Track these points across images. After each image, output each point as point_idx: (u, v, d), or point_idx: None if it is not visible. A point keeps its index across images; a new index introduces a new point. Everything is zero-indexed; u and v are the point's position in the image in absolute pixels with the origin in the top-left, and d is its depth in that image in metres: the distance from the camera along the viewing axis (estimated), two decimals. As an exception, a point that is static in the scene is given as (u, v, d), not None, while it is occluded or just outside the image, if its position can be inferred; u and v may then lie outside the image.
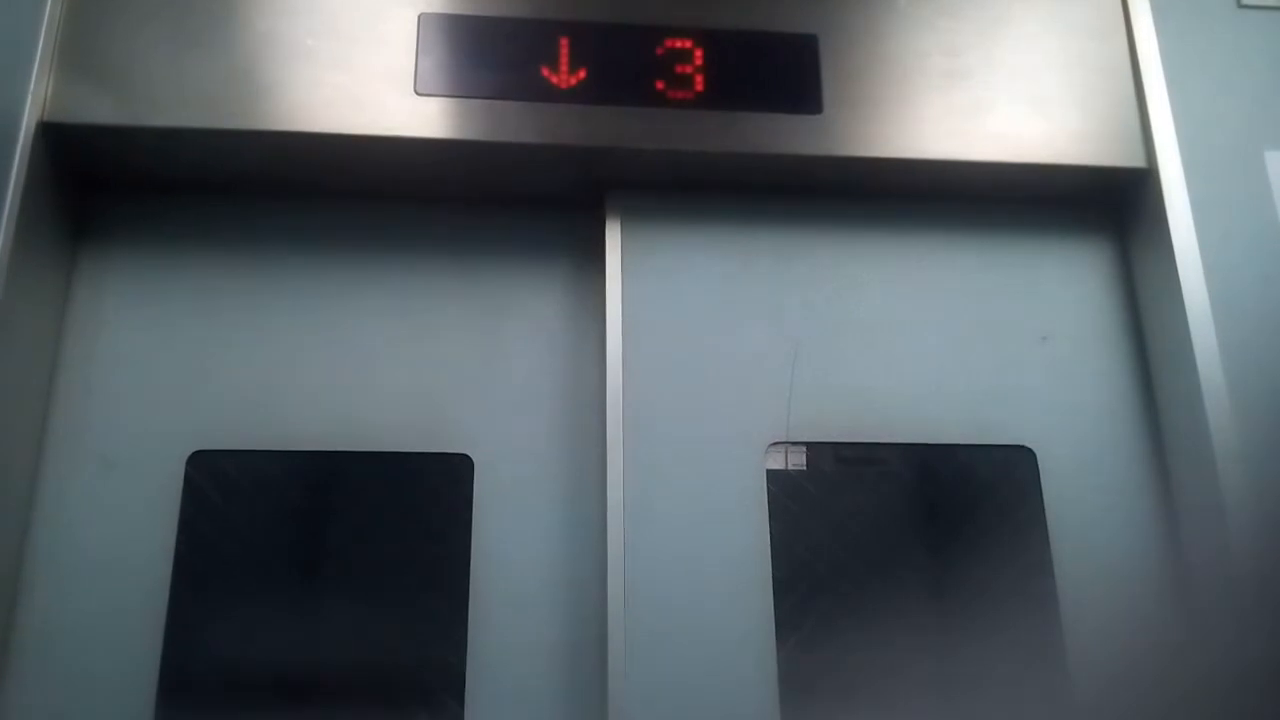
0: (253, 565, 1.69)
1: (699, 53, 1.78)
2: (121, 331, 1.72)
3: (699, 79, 1.76)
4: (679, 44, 1.78)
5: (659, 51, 1.77)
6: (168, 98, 1.64)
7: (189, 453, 1.67)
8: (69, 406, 1.67)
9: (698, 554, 1.65)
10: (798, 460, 1.77)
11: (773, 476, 1.72)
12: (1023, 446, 1.77)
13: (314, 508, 1.74)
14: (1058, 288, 1.87)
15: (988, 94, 1.82)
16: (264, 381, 1.73)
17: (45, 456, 1.64)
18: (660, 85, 1.75)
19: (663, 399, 1.72)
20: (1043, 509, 1.75)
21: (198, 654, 1.62)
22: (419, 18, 1.74)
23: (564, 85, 1.74)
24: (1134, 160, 1.81)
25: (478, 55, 1.73)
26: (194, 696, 1.61)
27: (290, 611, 1.67)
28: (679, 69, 1.76)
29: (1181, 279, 1.73)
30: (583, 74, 1.74)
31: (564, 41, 1.76)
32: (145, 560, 1.61)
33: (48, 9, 1.63)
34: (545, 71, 1.74)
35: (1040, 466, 1.76)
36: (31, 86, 1.59)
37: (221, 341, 1.74)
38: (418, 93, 1.70)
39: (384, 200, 1.83)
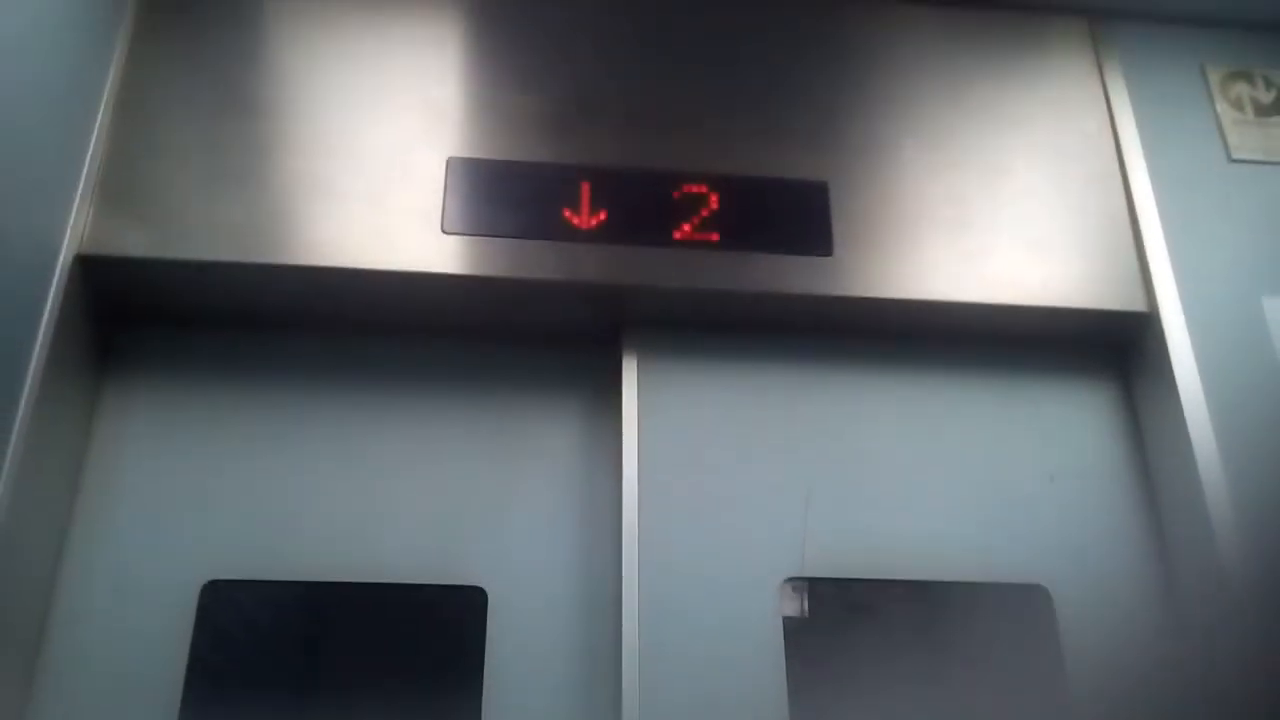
0: (263, 696, 1.67)
1: (715, 197, 1.85)
2: (141, 460, 1.73)
3: (715, 222, 1.83)
4: (696, 189, 1.85)
5: (676, 195, 1.84)
6: (202, 232, 1.70)
7: (203, 582, 1.66)
8: (86, 534, 1.67)
9: (713, 692, 1.64)
10: (812, 597, 1.77)
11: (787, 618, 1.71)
12: (1037, 585, 1.78)
13: (326, 639, 1.73)
14: (1064, 428, 1.90)
15: (991, 240, 1.89)
16: (280, 512, 1.73)
17: (60, 582, 1.63)
18: (677, 227, 1.82)
19: (678, 535, 1.73)
20: (1059, 647, 1.74)
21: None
22: (447, 161, 1.81)
23: (585, 226, 1.80)
24: (1135, 305, 1.87)
25: (503, 196, 1.80)
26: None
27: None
28: (695, 212, 1.83)
29: (1188, 420, 1.77)
30: (603, 215, 1.81)
31: (585, 185, 1.83)
32: (155, 689, 1.59)
33: (91, 146, 1.70)
34: (567, 213, 1.80)
35: (1055, 604, 1.76)
36: (71, 221, 1.64)
37: (239, 472, 1.75)
38: (444, 231, 1.76)
39: (405, 334, 1.87)
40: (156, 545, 1.68)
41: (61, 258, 1.61)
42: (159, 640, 1.62)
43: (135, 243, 1.68)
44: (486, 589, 1.72)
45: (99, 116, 1.73)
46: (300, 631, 1.73)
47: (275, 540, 1.71)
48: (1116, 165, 1.98)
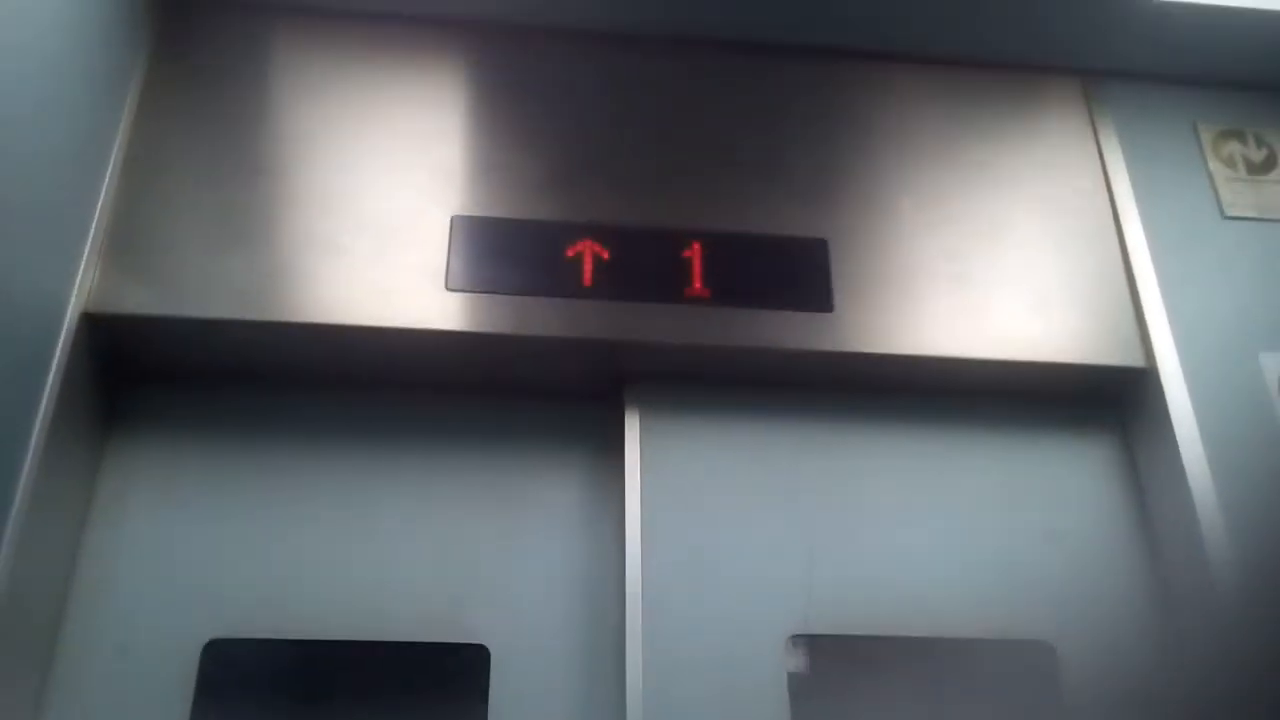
0: (263, 758, 1.65)
1: (716, 254, 1.87)
2: (144, 518, 1.73)
3: (716, 278, 1.85)
4: (697, 245, 1.87)
5: (678, 252, 1.86)
6: (208, 290, 1.71)
7: (204, 641, 1.66)
8: (89, 591, 1.66)
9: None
10: (815, 653, 1.76)
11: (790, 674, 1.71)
12: (1040, 641, 1.77)
13: (328, 698, 1.71)
14: (1065, 482, 1.91)
15: (989, 295, 1.91)
16: (282, 570, 1.73)
17: (61, 641, 1.62)
18: (679, 283, 1.84)
19: (681, 591, 1.72)
20: (1062, 703, 1.73)
21: None
22: (451, 219, 1.84)
23: (587, 282, 1.82)
24: (1133, 360, 1.89)
25: (506, 254, 1.82)
26: None
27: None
28: (697, 269, 1.85)
29: (1187, 475, 1.78)
30: (605, 272, 1.82)
31: (588, 242, 1.85)
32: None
33: (99, 204, 1.71)
34: (569, 269, 1.82)
35: (1058, 660, 1.76)
36: (78, 278, 1.65)
37: (242, 529, 1.75)
38: (448, 288, 1.77)
39: (409, 391, 1.88)
40: (159, 604, 1.68)
41: (68, 315, 1.62)
42: (160, 699, 1.61)
43: (141, 300, 1.69)
44: (489, 646, 1.72)
45: (107, 175, 1.74)
46: (302, 690, 1.71)
47: (277, 598, 1.71)
48: (1111, 222, 2.00)
